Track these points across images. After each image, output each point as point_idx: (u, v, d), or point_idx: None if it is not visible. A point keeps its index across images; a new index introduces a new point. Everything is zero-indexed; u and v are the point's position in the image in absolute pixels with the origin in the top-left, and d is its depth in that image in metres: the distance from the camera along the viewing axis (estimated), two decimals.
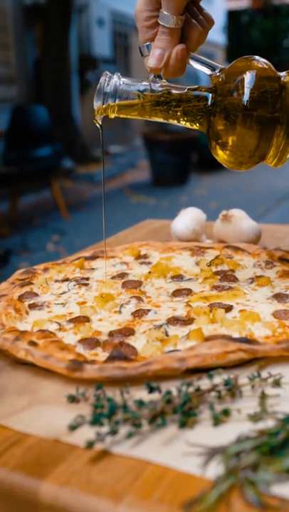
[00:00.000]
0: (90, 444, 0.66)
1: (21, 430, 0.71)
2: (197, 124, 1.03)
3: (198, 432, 0.68)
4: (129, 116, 1.04)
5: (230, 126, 0.97)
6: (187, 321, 0.97)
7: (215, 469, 0.61)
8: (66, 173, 9.75)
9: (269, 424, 0.68)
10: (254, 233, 1.42)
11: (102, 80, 1.01)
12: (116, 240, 1.65)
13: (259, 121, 0.95)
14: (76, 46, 11.36)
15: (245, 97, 0.94)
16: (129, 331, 0.94)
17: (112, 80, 1.00)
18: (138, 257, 1.36)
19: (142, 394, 0.76)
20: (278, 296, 1.05)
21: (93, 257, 1.36)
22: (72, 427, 0.70)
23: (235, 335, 0.90)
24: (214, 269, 1.22)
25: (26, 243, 6.13)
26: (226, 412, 0.70)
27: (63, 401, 0.77)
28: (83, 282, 1.19)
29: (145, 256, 1.36)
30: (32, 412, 0.75)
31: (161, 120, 1.04)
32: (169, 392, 0.73)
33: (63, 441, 0.69)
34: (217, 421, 0.69)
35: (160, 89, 1.01)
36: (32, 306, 1.08)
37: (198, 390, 0.74)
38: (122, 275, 1.23)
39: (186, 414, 0.70)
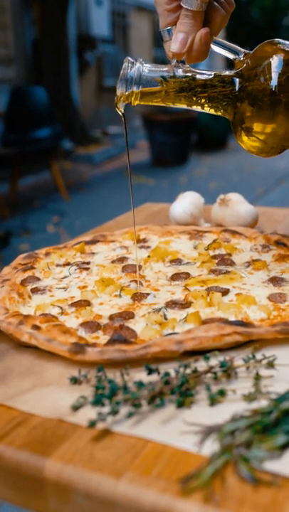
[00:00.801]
0: (92, 424, 0.69)
1: (26, 411, 0.75)
2: (222, 111, 1.01)
3: (195, 412, 0.71)
4: (151, 103, 1.01)
5: (257, 112, 0.95)
6: (185, 304, 1.00)
7: (211, 447, 0.64)
8: (65, 154, 9.75)
9: (262, 403, 0.71)
10: (251, 217, 1.45)
11: (125, 66, 0.97)
12: (115, 223, 1.68)
13: (287, 107, 0.92)
14: (74, 26, 11.28)
15: (273, 82, 0.92)
16: (129, 315, 0.97)
17: (136, 66, 0.97)
18: (137, 241, 1.38)
19: (141, 375, 0.79)
20: (274, 280, 1.08)
21: (93, 242, 1.38)
22: (75, 408, 0.73)
23: (232, 318, 0.93)
24: (212, 253, 1.25)
25: (26, 225, 6.15)
26: (222, 393, 0.73)
27: (66, 383, 0.81)
28: (84, 267, 1.22)
29: (144, 240, 1.39)
30: (36, 394, 0.78)
31: (184, 107, 1.01)
32: (167, 374, 0.76)
33: (67, 420, 0.72)
34: (213, 401, 0.72)
35: (184, 74, 0.98)
36: (34, 291, 1.11)
37: (195, 371, 0.77)
38: (122, 259, 1.25)
39: (183, 394, 0.73)
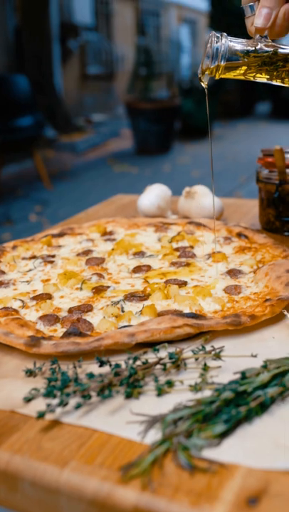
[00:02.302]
0: (40, 415, 0.71)
1: None
2: None
3: (142, 402, 0.74)
4: (232, 77, 1.04)
5: None
6: (143, 297, 1.02)
7: (154, 436, 0.67)
8: (48, 143, 9.71)
9: (206, 394, 0.74)
10: (216, 209, 1.47)
11: (211, 40, 1.00)
12: (86, 215, 1.69)
13: None
14: (57, 13, 11.21)
15: None
16: (87, 308, 0.99)
17: (222, 41, 0.99)
18: (104, 233, 1.40)
19: (94, 367, 0.82)
20: (231, 272, 1.10)
21: (61, 235, 1.40)
22: (27, 399, 0.76)
23: (186, 310, 0.96)
24: (175, 245, 1.27)
25: (9, 214, 6.14)
26: (170, 383, 0.76)
27: (22, 375, 0.83)
28: (49, 260, 1.24)
29: (111, 233, 1.41)
30: None
31: (264, 81, 1.04)
32: (117, 366, 0.78)
33: (19, 412, 0.74)
34: (160, 391, 0.75)
35: (266, 49, 1.00)
36: None
37: (145, 363, 0.79)
38: (87, 252, 1.28)
39: (131, 385, 0.76)
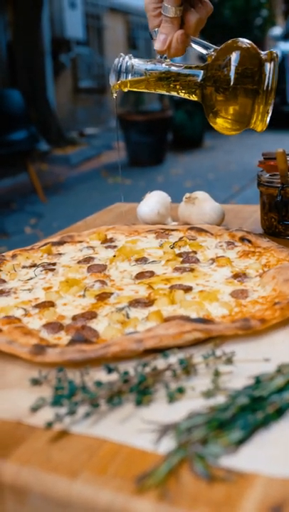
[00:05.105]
0: (49, 425, 0.69)
1: None
2: (194, 96, 1.20)
3: (153, 410, 0.71)
4: (138, 90, 1.24)
5: (220, 98, 1.13)
6: (148, 303, 1.00)
7: (167, 445, 0.64)
8: (42, 156, 9.71)
9: (220, 400, 0.71)
10: (217, 214, 1.45)
11: (116, 60, 1.20)
12: (84, 224, 1.67)
13: (243, 93, 1.11)
14: (48, 28, 11.24)
15: (231, 73, 1.10)
16: (91, 315, 0.97)
17: (125, 60, 1.20)
18: (104, 240, 1.38)
19: (101, 375, 0.79)
20: (237, 276, 1.08)
21: (61, 243, 1.38)
22: (34, 409, 0.73)
23: (193, 315, 0.93)
24: (177, 251, 1.25)
25: (4, 227, 6.12)
26: (181, 390, 0.73)
27: (27, 384, 0.80)
28: (50, 268, 1.22)
29: (111, 240, 1.39)
30: None
31: (164, 92, 1.23)
32: (126, 373, 0.76)
33: (25, 422, 0.72)
34: (172, 398, 0.72)
35: (163, 67, 1.19)
36: None
37: (154, 369, 0.77)
38: (88, 259, 1.25)
39: (141, 392, 0.73)
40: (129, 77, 1.20)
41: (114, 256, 1.24)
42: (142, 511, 0.56)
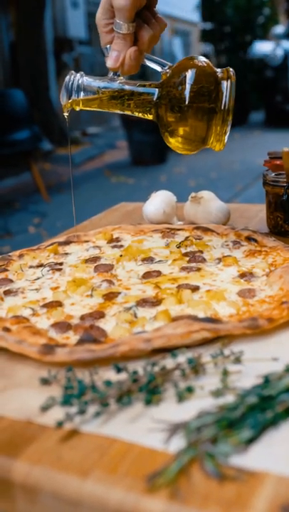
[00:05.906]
0: (59, 424, 0.69)
1: None
2: (148, 115, 1.16)
3: (162, 409, 0.72)
4: (91, 109, 1.19)
5: (175, 116, 1.10)
6: (155, 302, 1.00)
7: (177, 444, 0.64)
8: (45, 156, 9.72)
9: (229, 399, 0.71)
10: (222, 214, 1.45)
11: (67, 78, 1.16)
12: (90, 224, 1.68)
13: (199, 112, 1.08)
14: (51, 28, 11.25)
15: (187, 91, 1.07)
16: (99, 314, 0.97)
17: (76, 78, 1.16)
18: (110, 240, 1.39)
19: (110, 374, 0.79)
20: (244, 276, 1.08)
21: (67, 242, 1.39)
22: (44, 408, 0.74)
23: (201, 315, 0.93)
24: (183, 251, 1.25)
25: (8, 227, 6.12)
26: (190, 389, 0.74)
27: (36, 384, 0.81)
28: (57, 267, 1.22)
29: (117, 239, 1.39)
30: (6, 396, 0.78)
31: (118, 111, 1.18)
32: (135, 372, 0.76)
33: (35, 422, 0.72)
34: (181, 398, 0.73)
35: (116, 85, 1.15)
36: (7, 293, 1.11)
37: (163, 369, 0.77)
38: (95, 259, 1.26)
39: (151, 392, 0.74)
40: (81, 96, 1.16)
41: (121, 255, 1.24)
42: (152, 510, 0.56)
